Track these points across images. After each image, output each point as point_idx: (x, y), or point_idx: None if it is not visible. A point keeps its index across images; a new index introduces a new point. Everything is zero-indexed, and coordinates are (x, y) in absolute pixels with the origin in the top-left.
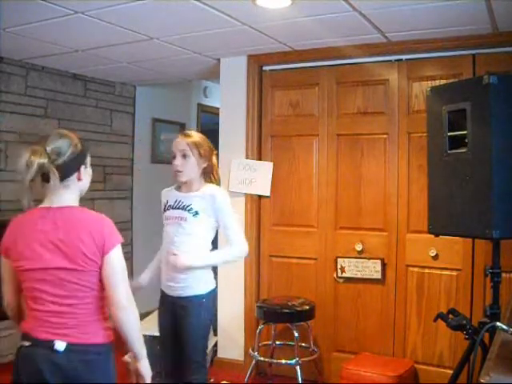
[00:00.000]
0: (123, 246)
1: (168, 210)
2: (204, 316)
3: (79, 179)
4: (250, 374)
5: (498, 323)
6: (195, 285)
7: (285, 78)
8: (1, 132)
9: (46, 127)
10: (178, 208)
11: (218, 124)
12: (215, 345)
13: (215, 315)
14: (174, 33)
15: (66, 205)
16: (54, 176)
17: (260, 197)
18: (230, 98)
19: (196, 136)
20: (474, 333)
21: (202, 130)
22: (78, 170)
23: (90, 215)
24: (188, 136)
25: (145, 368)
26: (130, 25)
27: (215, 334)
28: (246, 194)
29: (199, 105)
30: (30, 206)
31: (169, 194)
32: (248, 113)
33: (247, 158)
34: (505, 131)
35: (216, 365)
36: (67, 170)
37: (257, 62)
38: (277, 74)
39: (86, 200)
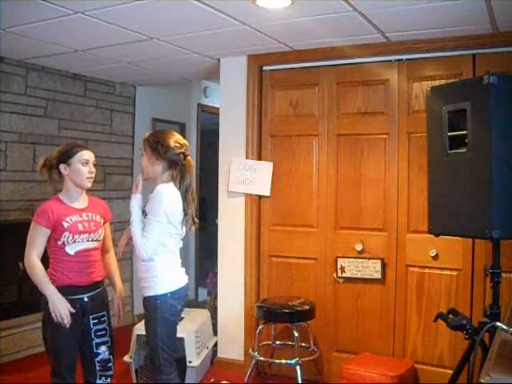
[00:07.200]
0: None
1: None
2: (159, 316)
3: None
4: (250, 373)
5: (498, 323)
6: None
7: (285, 78)
8: (1, 132)
9: (46, 127)
10: None
11: (217, 124)
12: (215, 345)
13: (215, 316)
14: (174, 33)
15: None
16: None
17: (260, 197)
18: (230, 98)
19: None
20: (474, 333)
21: (202, 129)
22: None
23: None
24: None
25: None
26: (129, 25)
27: (215, 334)
28: (245, 193)
29: (199, 105)
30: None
31: None
32: (248, 113)
33: (247, 158)
34: (505, 131)
35: (216, 365)
36: None
37: (257, 62)
38: (277, 73)
39: None
